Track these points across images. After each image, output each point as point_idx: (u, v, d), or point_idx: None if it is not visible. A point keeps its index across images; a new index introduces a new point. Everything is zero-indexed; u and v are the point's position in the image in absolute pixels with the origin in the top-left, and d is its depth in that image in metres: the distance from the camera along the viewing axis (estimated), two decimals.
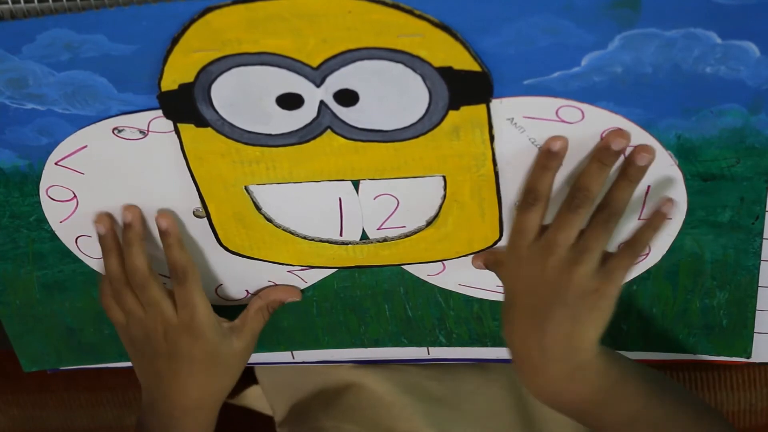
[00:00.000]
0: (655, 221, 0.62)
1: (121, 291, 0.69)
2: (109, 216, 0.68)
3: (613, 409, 0.64)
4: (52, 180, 0.66)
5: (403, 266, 0.71)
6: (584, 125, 0.59)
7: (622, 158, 0.60)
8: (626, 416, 0.64)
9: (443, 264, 0.70)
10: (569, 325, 0.61)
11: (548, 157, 0.60)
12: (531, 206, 0.61)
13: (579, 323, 0.60)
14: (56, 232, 0.70)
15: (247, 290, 0.75)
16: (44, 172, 0.66)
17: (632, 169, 0.60)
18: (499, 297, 0.68)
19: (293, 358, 0.80)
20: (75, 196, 0.67)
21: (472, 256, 0.68)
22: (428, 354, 0.78)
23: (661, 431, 0.64)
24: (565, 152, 0.60)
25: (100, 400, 0.73)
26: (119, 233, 0.69)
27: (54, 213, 0.69)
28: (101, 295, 0.71)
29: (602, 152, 0.59)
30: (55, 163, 0.65)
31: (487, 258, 0.68)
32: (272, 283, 0.74)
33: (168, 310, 0.68)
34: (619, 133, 0.58)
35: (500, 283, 0.67)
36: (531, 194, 0.61)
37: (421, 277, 0.72)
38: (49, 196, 0.67)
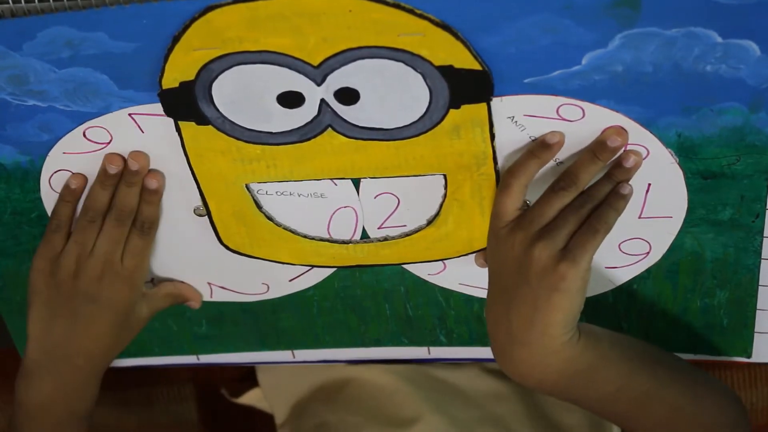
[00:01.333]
0: (612, 201, 0.60)
1: (94, 220, 0.67)
2: (123, 159, 0.65)
3: (584, 391, 0.63)
4: (55, 170, 0.66)
5: (403, 265, 0.71)
6: (585, 123, 0.59)
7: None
8: (599, 397, 0.64)
9: (444, 263, 0.70)
10: (531, 308, 0.59)
11: (541, 147, 0.60)
12: (508, 188, 0.61)
13: (541, 306, 0.59)
14: None
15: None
16: (46, 162, 0.66)
17: (618, 169, 0.60)
18: None
19: (294, 357, 0.80)
20: None
21: (475, 254, 0.68)
22: (429, 354, 0.78)
23: (644, 407, 0.63)
24: (559, 148, 0.60)
25: (100, 400, 0.72)
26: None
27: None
28: (57, 211, 0.68)
29: (597, 145, 0.59)
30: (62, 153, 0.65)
31: None
32: (265, 285, 0.74)
33: (118, 255, 0.68)
34: (618, 130, 0.59)
35: None
36: (511, 176, 0.61)
37: (422, 276, 0.72)
38: (51, 188, 0.67)
